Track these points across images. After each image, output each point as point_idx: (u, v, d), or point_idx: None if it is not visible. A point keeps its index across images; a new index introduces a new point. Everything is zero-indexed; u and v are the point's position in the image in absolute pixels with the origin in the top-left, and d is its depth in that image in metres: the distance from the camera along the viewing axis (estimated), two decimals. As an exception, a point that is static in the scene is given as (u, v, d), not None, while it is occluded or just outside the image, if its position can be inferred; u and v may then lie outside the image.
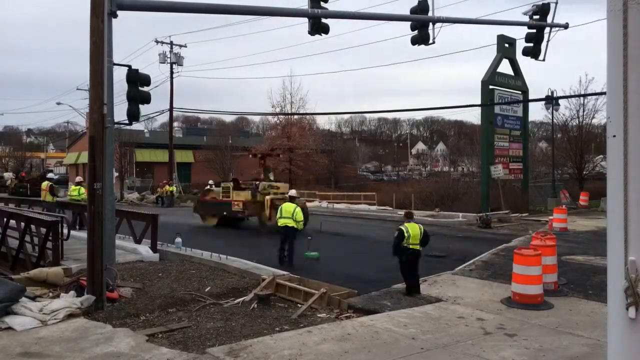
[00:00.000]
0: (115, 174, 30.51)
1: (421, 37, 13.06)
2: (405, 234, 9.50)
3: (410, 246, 9.53)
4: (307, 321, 8.35)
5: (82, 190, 19.37)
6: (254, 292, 9.73)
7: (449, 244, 15.54)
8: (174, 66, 38.64)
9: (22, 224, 13.07)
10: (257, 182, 21.45)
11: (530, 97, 27.82)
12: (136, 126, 41.27)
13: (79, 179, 21.79)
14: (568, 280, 10.49)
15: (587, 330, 7.31)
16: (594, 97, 31.74)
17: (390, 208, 30.03)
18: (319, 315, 8.72)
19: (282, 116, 49.49)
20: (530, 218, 24.00)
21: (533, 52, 14.86)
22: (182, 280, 11.07)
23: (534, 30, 14.71)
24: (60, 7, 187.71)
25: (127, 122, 10.61)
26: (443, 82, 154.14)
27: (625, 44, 2.57)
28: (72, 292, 9.28)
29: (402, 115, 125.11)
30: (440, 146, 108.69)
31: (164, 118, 49.32)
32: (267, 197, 19.60)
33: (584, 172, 34.45)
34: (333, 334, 7.13)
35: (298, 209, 13.74)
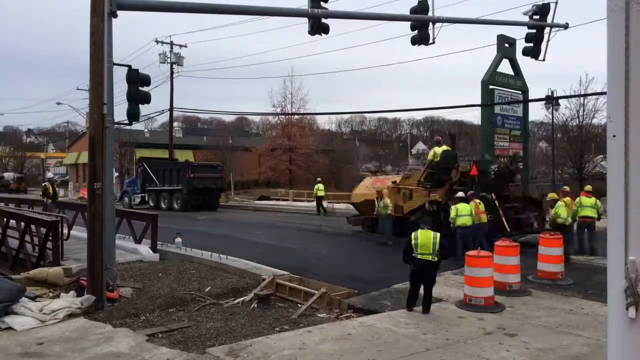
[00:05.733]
0: (115, 174, 30.55)
1: (421, 37, 13.08)
2: (413, 242, 8.22)
3: (419, 256, 8.21)
4: (307, 321, 8.36)
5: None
6: (254, 292, 9.73)
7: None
8: (174, 66, 38.57)
9: (22, 224, 13.07)
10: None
11: (531, 94, 27.80)
12: (136, 126, 41.20)
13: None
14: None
15: (587, 330, 7.31)
16: (594, 97, 31.69)
17: (391, 208, 29.98)
18: (319, 315, 8.73)
19: (282, 116, 49.58)
20: (530, 218, 23.93)
21: (533, 52, 14.91)
22: (182, 280, 11.07)
23: (534, 30, 14.74)
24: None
25: (127, 122, 10.65)
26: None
27: (627, 44, 2.56)
28: (72, 292, 9.29)
29: (402, 115, 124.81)
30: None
31: (164, 118, 49.26)
32: None
33: (584, 172, 34.40)
34: (333, 334, 7.13)
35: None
